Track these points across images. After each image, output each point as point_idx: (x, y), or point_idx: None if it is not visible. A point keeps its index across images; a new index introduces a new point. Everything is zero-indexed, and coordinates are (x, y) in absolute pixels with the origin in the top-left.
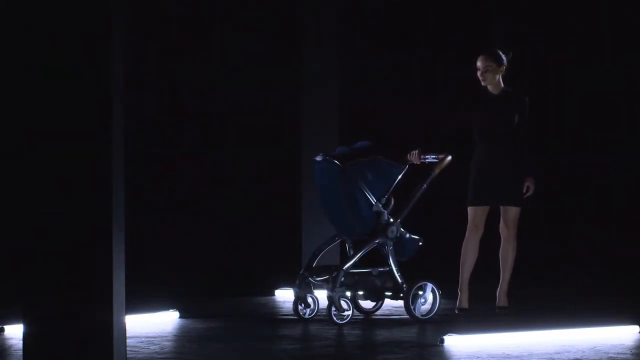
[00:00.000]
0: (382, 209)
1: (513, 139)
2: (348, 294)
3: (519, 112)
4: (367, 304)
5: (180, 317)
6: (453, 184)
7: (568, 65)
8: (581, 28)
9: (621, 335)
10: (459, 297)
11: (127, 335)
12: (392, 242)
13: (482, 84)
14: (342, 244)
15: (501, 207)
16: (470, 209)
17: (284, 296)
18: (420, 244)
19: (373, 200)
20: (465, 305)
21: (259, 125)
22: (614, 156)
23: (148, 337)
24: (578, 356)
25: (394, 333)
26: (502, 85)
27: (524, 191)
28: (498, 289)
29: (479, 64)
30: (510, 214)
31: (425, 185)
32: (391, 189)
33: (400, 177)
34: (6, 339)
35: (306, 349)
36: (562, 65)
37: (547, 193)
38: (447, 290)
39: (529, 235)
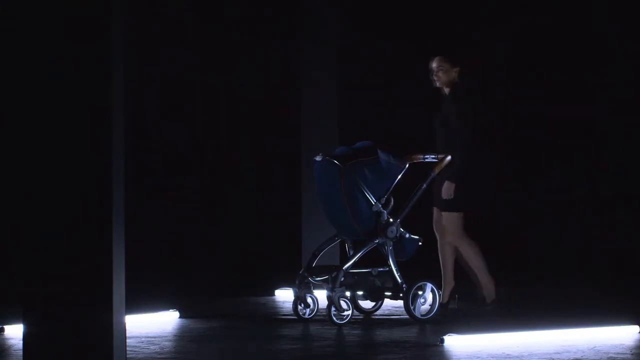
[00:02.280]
0: (381, 209)
1: (451, 142)
2: (348, 294)
3: (457, 113)
4: (367, 304)
5: (180, 317)
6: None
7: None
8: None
9: (621, 335)
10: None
11: (127, 335)
12: (391, 242)
13: (437, 84)
14: (342, 244)
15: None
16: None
17: (284, 296)
18: (420, 243)
19: (373, 200)
20: (444, 300)
21: (259, 125)
22: (610, 156)
23: (148, 337)
24: (578, 356)
25: (394, 333)
26: (455, 88)
27: (442, 195)
28: (480, 291)
29: (433, 65)
30: (444, 218)
31: (425, 185)
32: (391, 189)
33: (400, 177)
34: (6, 339)
35: (306, 349)
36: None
37: (547, 194)
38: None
39: (530, 235)
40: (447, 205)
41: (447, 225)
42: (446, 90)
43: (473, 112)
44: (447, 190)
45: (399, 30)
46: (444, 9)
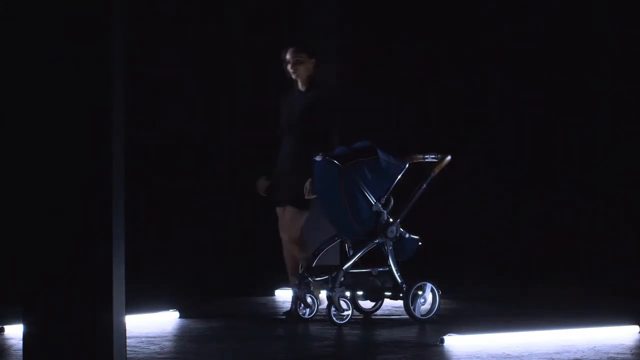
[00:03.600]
0: (381, 209)
1: (309, 139)
2: (348, 294)
3: (318, 111)
4: (367, 304)
5: (180, 317)
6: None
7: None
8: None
9: (621, 335)
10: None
11: (127, 335)
12: (391, 242)
13: (293, 76)
14: (342, 244)
15: (284, 207)
16: (277, 210)
17: (284, 296)
18: (420, 243)
19: (373, 200)
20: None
21: (258, 125)
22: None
23: (148, 337)
24: (578, 356)
25: (394, 333)
26: (312, 81)
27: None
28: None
29: (287, 56)
30: (291, 215)
31: (425, 185)
32: (391, 188)
33: (400, 177)
34: (6, 339)
35: (306, 349)
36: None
37: (547, 193)
38: (446, 290)
39: (530, 236)
40: (299, 203)
41: (293, 222)
42: (301, 84)
43: (336, 108)
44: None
45: (399, 30)
46: (444, 9)
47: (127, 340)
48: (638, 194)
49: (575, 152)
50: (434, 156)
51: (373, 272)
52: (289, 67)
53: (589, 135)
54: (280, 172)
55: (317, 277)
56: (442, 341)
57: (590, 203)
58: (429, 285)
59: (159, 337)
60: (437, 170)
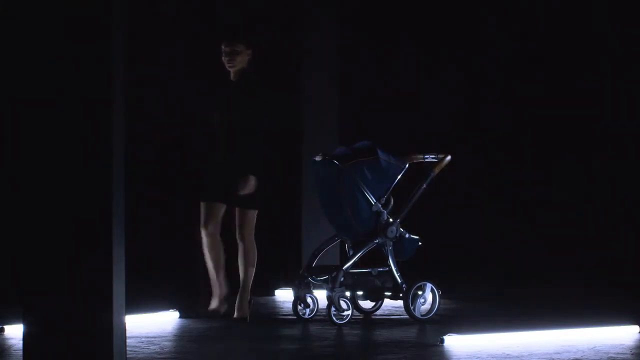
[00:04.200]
0: (381, 209)
1: (246, 132)
2: (347, 294)
3: (255, 103)
4: (367, 304)
5: (180, 317)
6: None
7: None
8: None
9: (621, 335)
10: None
11: (127, 335)
12: (391, 242)
13: (228, 67)
14: (342, 244)
15: (236, 208)
16: (201, 204)
17: (284, 296)
18: (420, 244)
19: (373, 200)
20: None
21: None
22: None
23: (148, 337)
24: (578, 356)
25: (394, 333)
26: (247, 73)
27: (239, 190)
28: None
29: (224, 47)
30: (243, 216)
31: (425, 185)
32: (391, 188)
33: (400, 177)
34: (6, 339)
35: (306, 349)
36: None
37: (548, 195)
38: (446, 290)
39: (529, 235)
40: (248, 203)
41: (247, 224)
42: (234, 75)
43: (274, 103)
44: (248, 184)
45: (399, 30)
46: (443, 8)
47: (127, 340)
48: (638, 194)
49: (575, 153)
50: (434, 156)
51: (373, 272)
52: (224, 58)
53: (589, 135)
54: (215, 167)
55: (317, 277)
56: (442, 341)
57: (590, 203)
58: (429, 285)
59: (159, 337)
60: (437, 170)
